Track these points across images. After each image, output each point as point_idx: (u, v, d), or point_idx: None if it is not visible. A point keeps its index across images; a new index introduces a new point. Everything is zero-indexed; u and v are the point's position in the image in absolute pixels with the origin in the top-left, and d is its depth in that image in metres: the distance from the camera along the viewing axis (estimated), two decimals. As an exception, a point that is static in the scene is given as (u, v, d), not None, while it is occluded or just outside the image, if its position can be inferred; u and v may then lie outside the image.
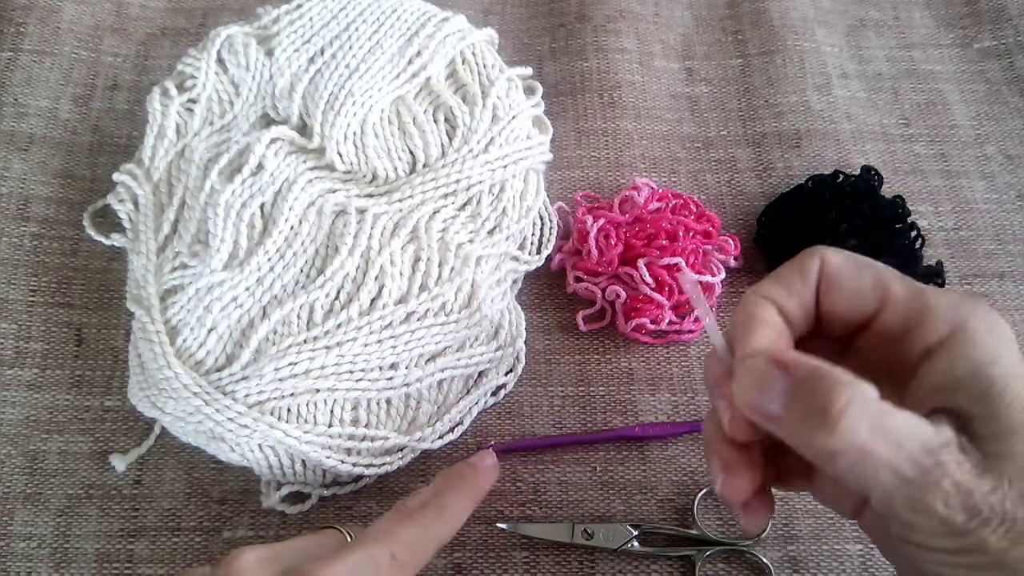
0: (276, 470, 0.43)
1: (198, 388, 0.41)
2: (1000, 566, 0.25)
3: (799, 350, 0.32)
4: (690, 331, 0.48)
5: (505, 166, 0.49)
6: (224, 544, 0.43)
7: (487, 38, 0.54)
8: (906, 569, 0.29)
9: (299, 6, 0.51)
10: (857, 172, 0.53)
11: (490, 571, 0.42)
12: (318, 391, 0.43)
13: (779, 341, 0.29)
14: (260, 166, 0.46)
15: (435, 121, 0.50)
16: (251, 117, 0.50)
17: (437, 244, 0.46)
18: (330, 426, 0.43)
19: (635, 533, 0.42)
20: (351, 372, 0.43)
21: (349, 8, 0.51)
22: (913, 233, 0.50)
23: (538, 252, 0.52)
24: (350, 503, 0.44)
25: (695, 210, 0.52)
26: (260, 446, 0.42)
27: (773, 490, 0.32)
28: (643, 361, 0.49)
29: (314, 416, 0.43)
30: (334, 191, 0.47)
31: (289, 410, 0.42)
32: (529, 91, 0.56)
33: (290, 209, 0.45)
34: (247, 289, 0.44)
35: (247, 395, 0.41)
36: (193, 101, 0.50)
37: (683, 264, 0.48)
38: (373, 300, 0.44)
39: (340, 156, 0.48)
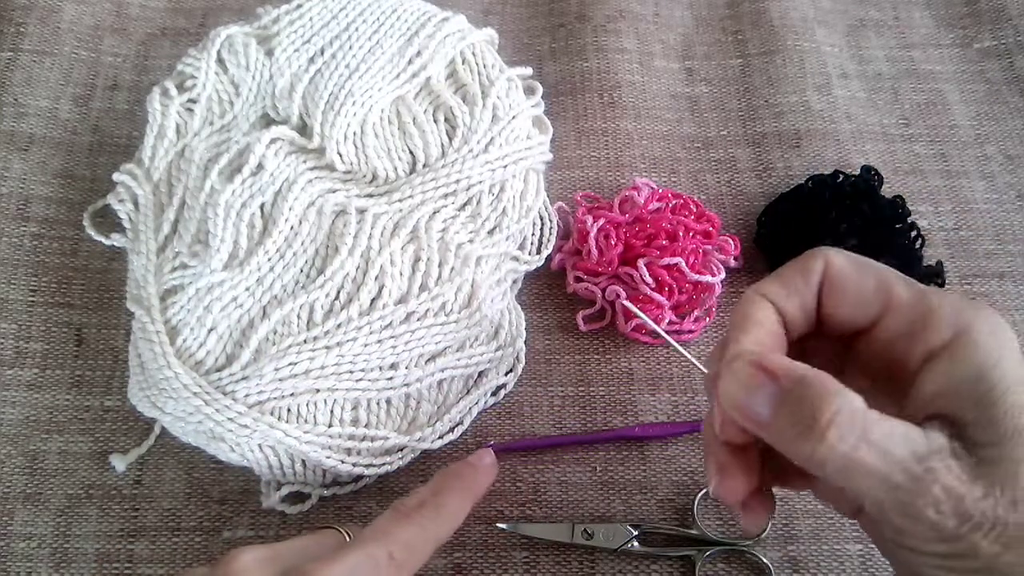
0: (276, 470, 0.43)
1: (198, 388, 0.41)
2: (992, 571, 0.25)
3: (801, 348, 0.32)
4: (690, 331, 0.48)
5: (505, 166, 0.49)
6: (224, 544, 0.43)
7: (487, 38, 0.54)
8: (903, 571, 0.29)
9: (299, 6, 0.51)
10: (857, 172, 0.53)
11: (490, 571, 0.42)
12: (318, 391, 0.43)
13: (771, 342, 0.29)
14: (260, 166, 0.46)
15: (435, 121, 0.50)
16: (251, 117, 0.50)
17: (437, 244, 0.46)
18: (330, 426, 0.43)
19: (635, 533, 0.42)
20: (351, 372, 0.43)
21: (349, 8, 0.51)
22: (913, 233, 0.50)
23: (538, 252, 0.52)
24: (350, 503, 0.44)
25: (695, 210, 0.52)
26: (260, 446, 0.42)
27: (774, 490, 0.32)
28: (643, 361, 0.49)
29: (314, 416, 0.43)
30: (334, 191, 0.47)
31: (289, 410, 0.42)
32: (529, 91, 0.56)
33: (290, 209, 0.45)
34: (247, 289, 0.44)
35: (247, 395, 0.41)
36: (193, 101, 0.50)
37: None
38: (373, 300, 0.44)
39: (340, 156, 0.48)
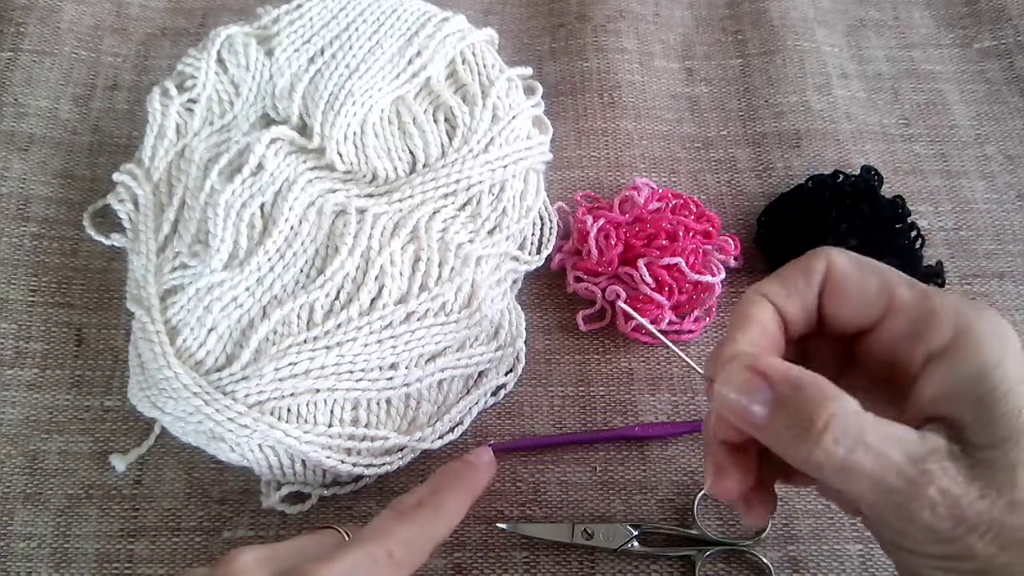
0: (276, 470, 0.43)
1: (198, 388, 0.41)
2: (988, 572, 0.25)
3: (802, 349, 0.32)
4: (690, 331, 0.48)
5: (505, 166, 0.49)
6: (224, 544, 0.43)
7: (487, 38, 0.54)
8: (903, 571, 0.29)
9: (299, 6, 0.51)
10: (857, 172, 0.53)
11: (490, 571, 0.42)
12: (318, 391, 0.43)
13: (767, 342, 0.29)
14: (260, 166, 0.46)
15: (435, 121, 0.50)
16: (251, 117, 0.50)
17: (437, 244, 0.46)
18: (330, 426, 0.43)
19: (635, 533, 0.42)
20: (351, 372, 0.43)
21: (349, 8, 0.51)
22: (913, 233, 0.50)
23: (538, 252, 0.52)
24: (350, 503, 0.44)
25: (695, 210, 0.52)
26: (260, 446, 0.42)
27: (776, 487, 0.32)
28: (643, 361, 0.49)
29: (314, 416, 0.43)
30: (334, 191, 0.47)
31: (289, 410, 0.42)
32: (529, 91, 0.56)
33: (290, 209, 0.45)
34: (247, 289, 0.44)
35: (247, 395, 0.41)
36: (193, 101, 0.50)
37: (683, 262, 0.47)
38: (373, 300, 0.44)
39: (340, 156, 0.48)
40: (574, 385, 0.48)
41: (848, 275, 0.29)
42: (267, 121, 0.50)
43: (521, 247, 0.51)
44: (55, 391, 0.47)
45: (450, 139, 0.49)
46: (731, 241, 0.51)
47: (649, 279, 0.47)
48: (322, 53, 0.50)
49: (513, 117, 0.50)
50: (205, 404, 0.41)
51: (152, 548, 0.43)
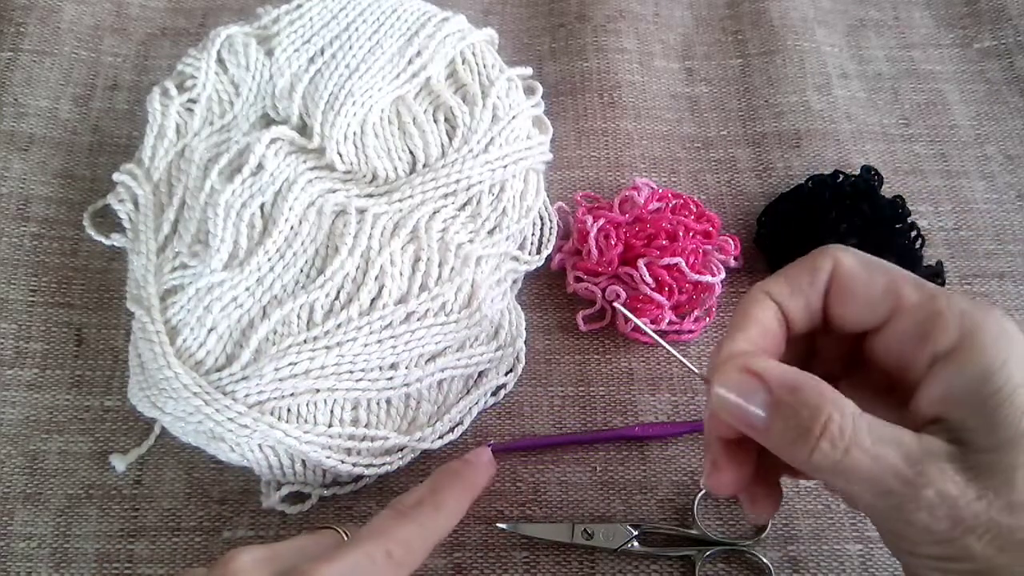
0: (276, 470, 0.43)
1: (198, 388, 0.41)
2: (987, 573, 0.25)
3: (811, 346, 0.32)
4: (690, 331, 0.48)
5: (505, 166, 0.49)
6: (224, 544, 0.43)
7: (487, 38, 0.54)
8: (906, 571, 0.29)
9: (299, 6, 0.51)
10: (857, 172, 0.53)
11: (490, 571, 0.42)
12: (318, 391, 0.43)
13: (766, 342, 0.29)
14: (260, 166, 0.46)
15: (435, 121, 0.50)
16: (251, 117, 0.50)
17: (437, 244, 0.46)
18: (330, 426, 0.43)
19: (635, 533, 0.42)
20: (351, 372, 0.43)
21: (349, 8, 0.51)
22: (913, 233, 0.50)
23: (538, 252, 0.51)
24: (350, 503, 0.44)
25: (695, 210, 0.52)
26: (260, 446, 0.42)
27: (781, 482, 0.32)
28: (643, 361, 0.49)
29: (314, 416, 0.43)
30: (334, 191, 0.47)
31: (289, 410, 0.42)
32: (529, 91, 0.56)
33: (290, 209, 0.45)
34: (247, 289, 0.44)
35: (247, 395, 0.41)
36: (193, 101, 0.50)
37: (683, 264, 0.47)
38: (373, 300, 0.44)
39: (340, 156, 0.48)
40: (574, 385, 0.48)
41: (854, 275, 0.29)
42: (267, 121, 0.50)
43: (521, 247, 0.51)
44: (55, 391, 0.47)
45: (450, 139, 0.49)
46: (731, 241, 0.51)
47: (649, 279, 0.47)
48: (322, 53, 0.50)
49: (513, 117, 0.50)
50: (205, 404, 0.41)
51: (152, 548, 0.43)
